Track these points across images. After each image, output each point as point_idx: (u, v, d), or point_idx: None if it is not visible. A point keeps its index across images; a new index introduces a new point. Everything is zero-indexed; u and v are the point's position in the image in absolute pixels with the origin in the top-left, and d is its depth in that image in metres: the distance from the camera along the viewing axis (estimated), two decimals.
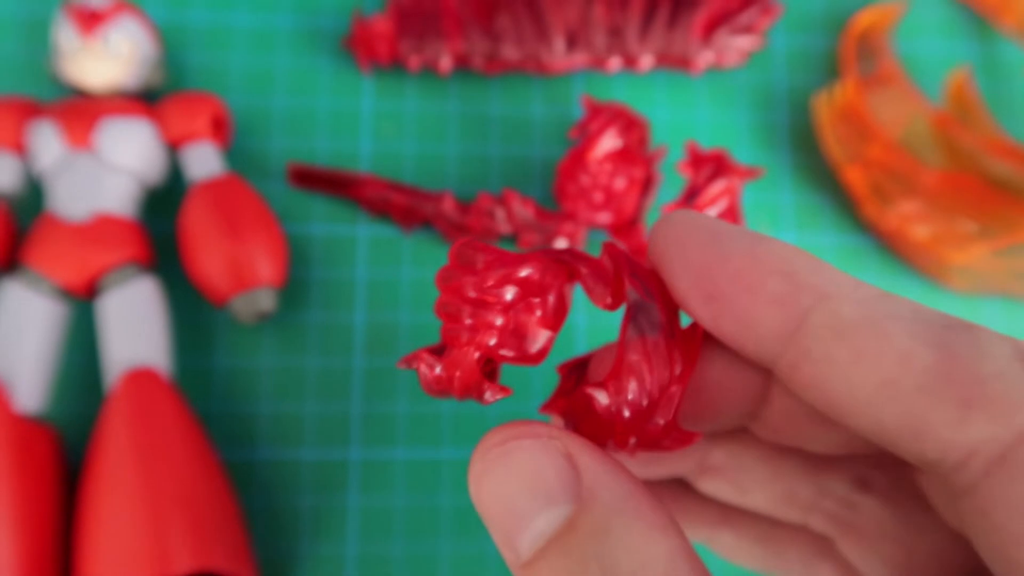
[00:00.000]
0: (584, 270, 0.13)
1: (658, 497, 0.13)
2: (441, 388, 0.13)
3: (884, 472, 0.16)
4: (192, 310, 0.27)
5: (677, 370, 0.13)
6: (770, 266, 0.12)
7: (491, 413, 0.27)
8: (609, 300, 0.13)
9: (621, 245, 0.27)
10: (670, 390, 0.13)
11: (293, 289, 0.27)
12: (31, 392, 0.23)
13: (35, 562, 0.22)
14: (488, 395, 0.13)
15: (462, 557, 0.26)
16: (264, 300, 0.24)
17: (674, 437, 0.13)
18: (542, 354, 0.13)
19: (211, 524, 0.22)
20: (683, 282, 0.13)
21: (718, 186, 0.25)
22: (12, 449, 0.22)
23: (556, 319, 0.13)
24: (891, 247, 0.29)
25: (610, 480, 0.12)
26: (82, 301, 0.26)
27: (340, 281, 0.27)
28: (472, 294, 0.13)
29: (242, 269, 0.24)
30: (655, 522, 0.12)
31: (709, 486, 0.17)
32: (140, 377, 0.23)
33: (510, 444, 0.13)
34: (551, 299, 0.13)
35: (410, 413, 0.27)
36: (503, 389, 0.13)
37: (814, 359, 0.12)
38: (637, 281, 0.13)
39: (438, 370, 0.13)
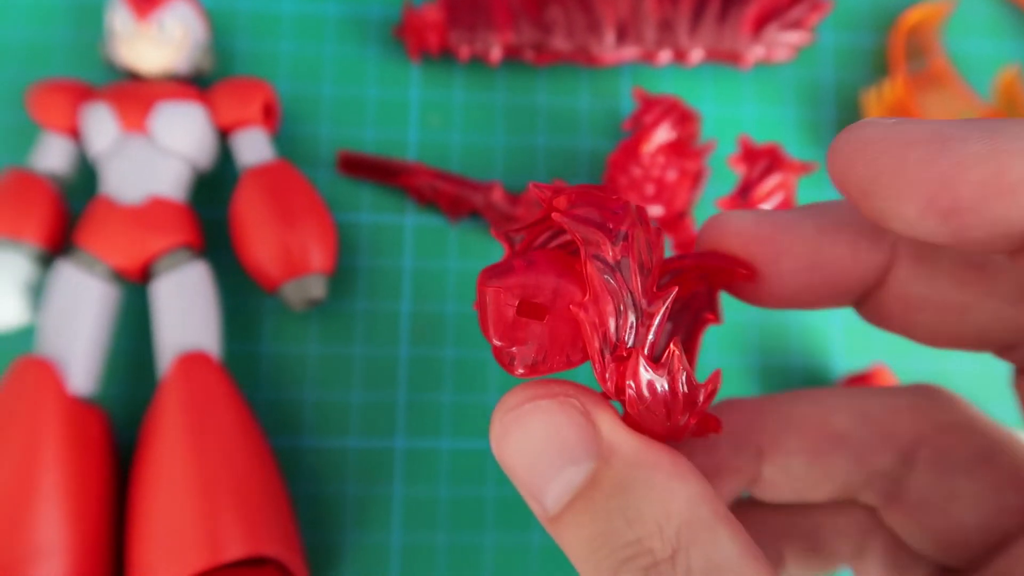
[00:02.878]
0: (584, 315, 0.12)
1: (668, 447, 0.13)
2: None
3: (927, 447, 0.16)
4: (238, 295, 0.27)
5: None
6: (1020, 157, 0.11)
7: None
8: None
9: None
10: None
11: (340, 277, 0.27)
12: (84, 374, 0.23)
13: (86, 542, 0.22)
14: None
15: (506, 547, 0.26)
16: (315, 287, 0.24)
17: (699, 426, 0.13)
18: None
19: (262, 510, 0.22)
20: (912, 204, 0.12)
21: (773, 180, 0.25)
22: (66, 430, 0.22)
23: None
24: None
25: (628, 434, 0.13)
26: (132, 284, 0.26)
27: (387, 269, 0.27)
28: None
29: (294, 256, 0.24)
30: (673, 471, 0.12)
31: (767, 493, 0.17)
32: (193, 360, 0.23)
33: (529, 405, 0.13)
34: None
35: (455, 403, 0.27)
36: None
37: None
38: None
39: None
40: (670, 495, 0.12)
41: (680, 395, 0.13)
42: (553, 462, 0.13)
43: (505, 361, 0.13)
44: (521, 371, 0.13)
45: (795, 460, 0.17)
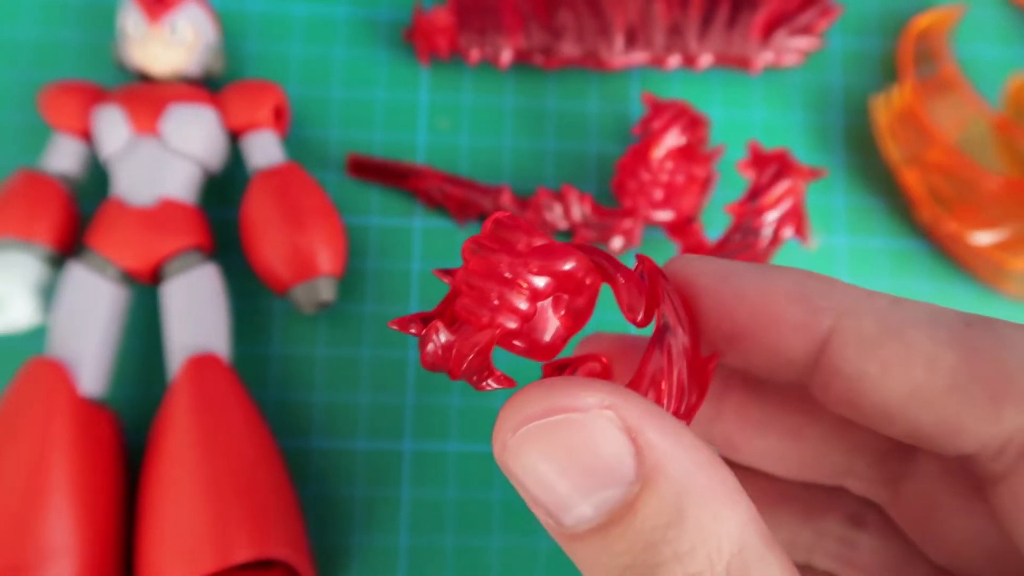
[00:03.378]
0: (622, 281, 0.12)
1: (720, 459, 0.12)
2: (443, 364, 0.12)
3: (876, 509, 0.16)
4: (247, 297, 0.27)
5: (693, 399, 0.13)
6: (784, 296, 0.13)
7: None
8: (640, 317, 0.12)
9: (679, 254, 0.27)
10: (680, 418, 0.12)
11: (349, 279, 0.27)
12: (94, 375, 0.23)
13: (96, 544, 0.22)
14: (490, 383, 0.12)
15: (513, 550, 0.26)
16: (325, 290, 0.24)
17: None
18: (553, 351, 0.12)
19: (271, 512, 0.22)
20: (706, 324, 0.13)
21: (782, 187, 0.25)
22: (76, 431, 0.22)
23: (578, 321, 0.12)
24: (947, 251, 0.29)
25: (678, 453, 0.11)
26: (142, 286, 0.26)
27: (395, 272, 0.27)
28: (507, 274, 0.12)
29: (304, 258, 0.24)
30: (726, 495, 0.11)
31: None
32: (204, 362, 0.23)
33: (555, 418, 0.11)
34: (580, 300, 0.12)
35: (463, 406, 0.27)
36: (507, 380, 0.12)
37: (845, 376, 0.12)
38: (670, 302, 0.12)
39: (443, 340, 0.12)
40: (723, 525, 0.11)
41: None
42: (581, 485, 0.11)
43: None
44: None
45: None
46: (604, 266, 0.12)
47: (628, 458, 0.11)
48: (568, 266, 0.12)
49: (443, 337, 0.12)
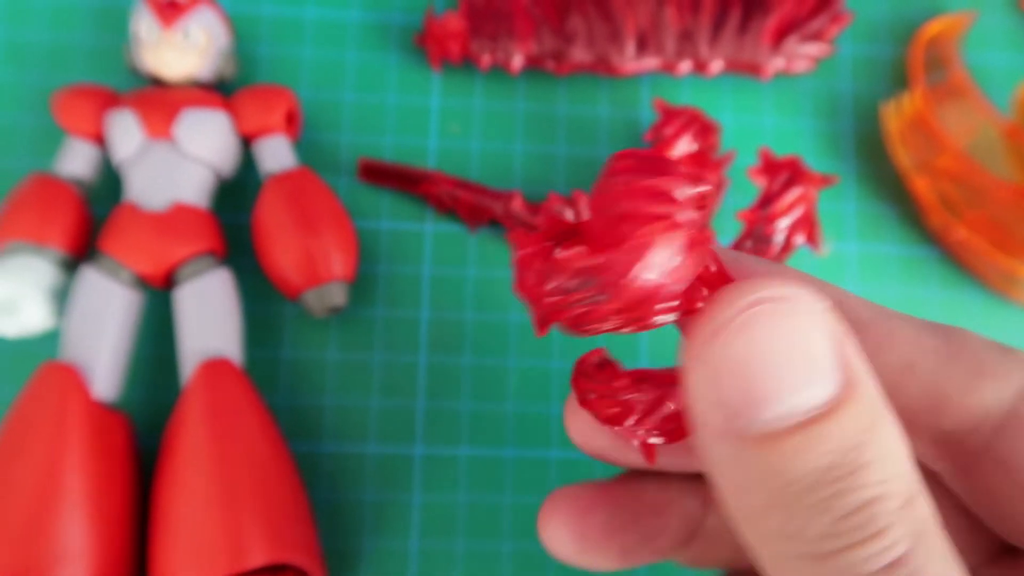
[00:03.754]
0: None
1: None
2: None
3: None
4: (258, 301, 0.27)
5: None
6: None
7: (553, 412, 0.27)
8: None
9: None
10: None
11: (359, 284, 0.27)
12: (108, 380, 0.23)
13: (109, 547, 0.22)
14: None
15: (523, 555, 0.26)
16: (336, 294, 0.25)
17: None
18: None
19: (284, 517, 0.22)
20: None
21: (793, 194, 0.25)
22: (90, 435, 0.22)
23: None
24: (957, 258, 0.29)
25: (870, 372, 0.12)
26: (154, 290, 0.26)
27: (406, 277, 0.27)
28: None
29: (316, 263, 0.24)
30: (901, 431, 0.11)
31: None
32: (217, 367, 0.23)
33: (777, 304, 0.11)
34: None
35: (474, 411, 0.27)
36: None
37: None
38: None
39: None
40: (902, 453, 0.11)
41: None
42: (797, 373, 0.11)
43: (551, 314, 0.11)
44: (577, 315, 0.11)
45: None
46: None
47: (835, 360, 0.11)
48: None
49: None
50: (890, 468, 0.11)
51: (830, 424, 0.11)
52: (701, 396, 0.12)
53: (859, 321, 0.14)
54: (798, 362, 0.11)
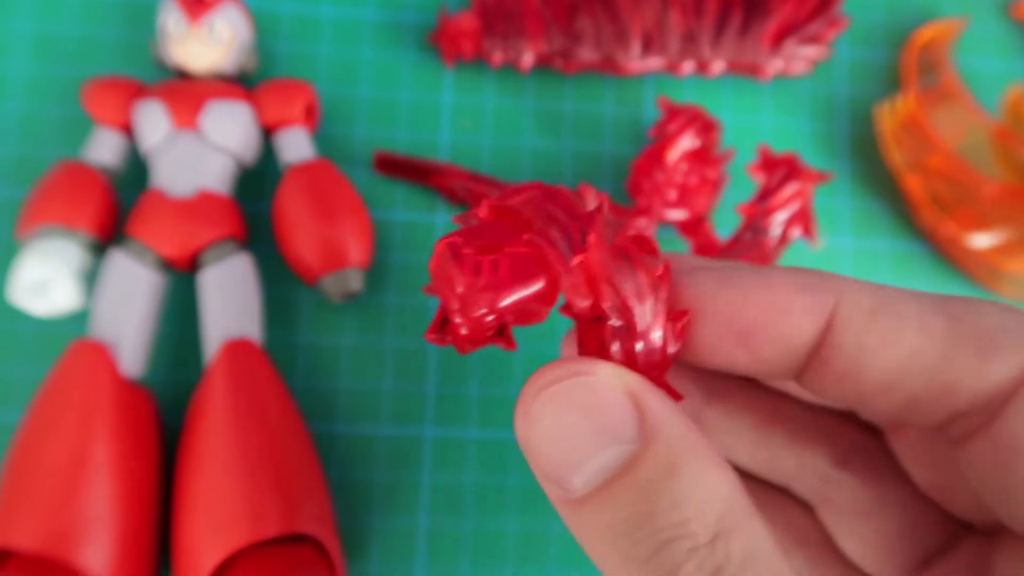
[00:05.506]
0: (573, 289, 0.13)
1: (705, 440, 0.13)
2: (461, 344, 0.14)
3: (863, 453, 0.17)
4: (277, 286, 0.28)
5: (669, 349, 0.14)
6: (789, 287, 0.14)
7: None
8: (588, 303, 0.13)
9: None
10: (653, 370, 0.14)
11: (374, 271, 0.28)
12: (134, 357, 0.24)
13: (135, 518, 0.23)
14: (502, 345, 0.14)
15: (528, 533, 0.27)
16: (353, 280, 0.26)
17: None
18: (541, 317, 0.14)
19: (302, 490, 0.23)
20: (710, 331, 0.14)
21: (790, 189, 0.26)
22: (118, 410, 0.23)
23: (549, 299, 0.14)
24: (946, 254, 0.30)
25: (673, 418, 0.13)
26: (177, 273, 0.27)
27: (419, 265, 0.28)
28: (457, 299, 0.13)
29: (334, 250, 0.25)
30: (714, 459, 0.12)
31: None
32: (239, 347, 0.24)
33: (572, 380, 0.13)
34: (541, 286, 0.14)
35: (482, 395, 0.28)
36: (509, 343, 0.14)
37: (846, 352, 0.14)
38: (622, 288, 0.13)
39: (463, 331, 0.14)
40: (713, 481, 0.12)
41: (652, 292, 0.13)
42: (594, 440, 0.12)
43: (462, 308, 0.13)
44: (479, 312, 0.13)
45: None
46: (549, 254, 0.13)
47: (631, 418, 0.12)
48: (506, 300, 0.13)
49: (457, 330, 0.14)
50: (689, 510, 0.12)
51: (625, 481, 0.12)
52: (533, 469, 0.13)
53: (862, 311, 0.14)
54: (593, 430, 0.12)
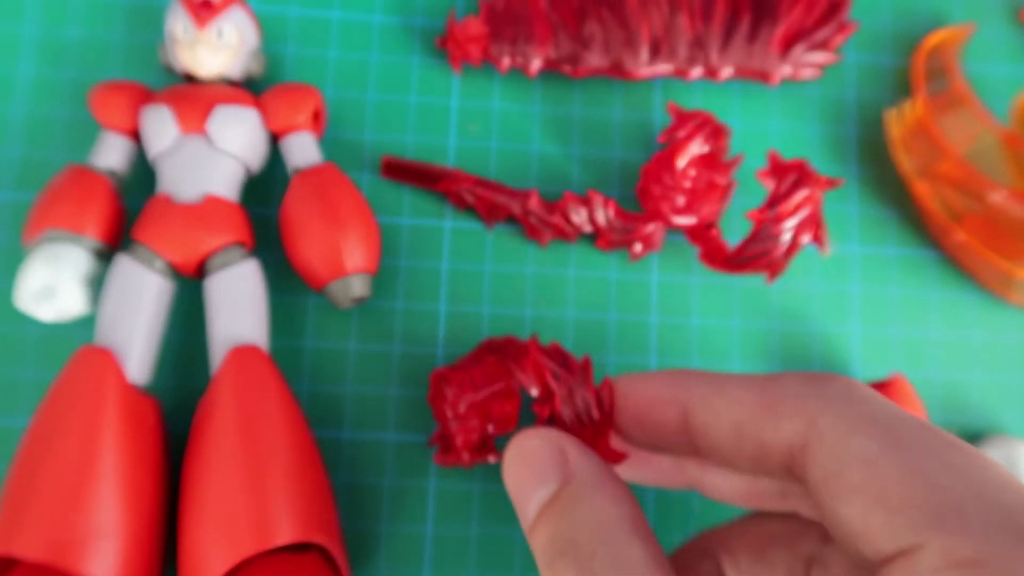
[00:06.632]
0: (523, 380, 0.23)
1: (619, 478, 0.18)
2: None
3: (837, 555, 0.18)
4: (283, 292, 0.28)
5: (599, 420, 0.20)
6: (660, 384, 0.20)
7: None
8: (538, 393, 0.21)
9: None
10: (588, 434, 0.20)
11: (380, 277, 0.28)
12: (141, 364, 0.24)
13: (142, 525, 0.23)
14: (491, 459, 0.24)
15: None
16: (360, 286, 0.25)
17: (609, 455, 0.19)
18: (512, 424, 0.24)
19: (308, 499, 0.23)
20: (622, 416, 0.20)
21: (800, 195, 0.26)
22: (124, 417, 0.23)
23: (511, 395, 0.23)
24: (956, 261, 0.30)
25: (585, 464, 0.18)
26: (183, 280, 0.27)
27: (426, 271, 0.28)
28: (451, 413, 0.23)
29: (341, 256, 0.25)
30: (614, 493, 0.17)
31: (714, 495, 0.22)
32: (246, 353, 0.24)
33: (522, 441, 0.19)
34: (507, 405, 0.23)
35: None
36: (495, 454, 0.24)
37: (698, 430, 0.19)
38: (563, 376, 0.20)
39: (459, 441, 0.24)
40: (602, 509, 0.17)
41: (578, 376, 0.20)
42: (532, 480, 0.18)
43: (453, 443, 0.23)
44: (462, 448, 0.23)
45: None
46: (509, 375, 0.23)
47: (559, 465, 0.18)
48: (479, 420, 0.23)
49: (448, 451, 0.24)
50: (577, 530, 0.16)
51: (552, 509, 0.17)
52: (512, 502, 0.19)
53: (702, 397, 0.18)
54: (535, 473, 0.18)
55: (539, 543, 0.17)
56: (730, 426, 0.17)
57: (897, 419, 0.15)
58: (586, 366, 0.20)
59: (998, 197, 0.28)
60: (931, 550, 0.13)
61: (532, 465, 0.18)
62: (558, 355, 0.20)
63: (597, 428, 0.19)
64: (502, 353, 0.23)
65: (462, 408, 0.22)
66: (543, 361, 0.20)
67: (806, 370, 0.29)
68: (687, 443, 0.19)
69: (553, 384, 0.19)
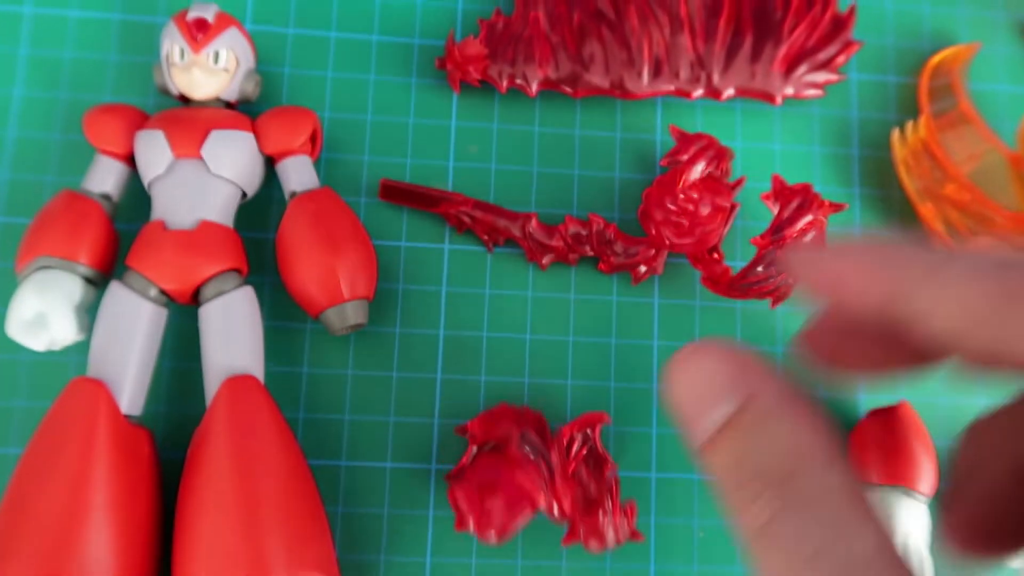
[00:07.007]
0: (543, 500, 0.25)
1: (811, 402, 0.16)
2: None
3: None
4: (279, 316, 0.27)
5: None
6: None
7: None
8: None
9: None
10: None
11: (378, 300, 0.28)
12: (134, 395, 0.23)
13: (134, 560, 0.22)
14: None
15: (534, 570, 0.26)
16: (357, 313, 0.25)
17: None
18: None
19: (304, 532, 0.23)
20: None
21: (805, 220, 0.25)
22: (117, 451, 0.22)
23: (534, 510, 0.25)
24: None
25: (767, 385, 0.16)
26: (180, 305, 0.27)
27: (425, 294, 0.28)
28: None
29: (338, 283, 0.25)
30: (800, 418, 0.15)
31: None
32: (241, 383, 0.23)
33: (698, 352, 0.17)
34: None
35: None
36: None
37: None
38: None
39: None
40: (794, 433, 0.15)
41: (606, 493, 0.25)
42: (708, 398, 0.16)
43: (484, 535, 0.24)
44: (493, 536, 0.24)
45: None
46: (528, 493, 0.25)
47: (742, 382, 0.16)
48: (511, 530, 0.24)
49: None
50: (767, 457, 0.15)
51: (731, 431, 0.16)
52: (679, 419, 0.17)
53: (910, 282, 0.15)
54: (715, 388, 0.16)
55: (721, 464, 0.16)
56: (964, 317, 0.15)
57: None
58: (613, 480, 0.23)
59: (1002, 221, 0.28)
60: None
61: (706, 379, 0.17)
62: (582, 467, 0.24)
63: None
64: (523, 469, 0.25)
65: (483, 504, 0.24)
66: (571, 490, 0.24)
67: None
68: (885, 344, 0.17)
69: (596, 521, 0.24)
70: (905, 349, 0.17)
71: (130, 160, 0.26)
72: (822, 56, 0.29)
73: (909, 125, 0.30)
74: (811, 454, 0.15)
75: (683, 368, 0.17)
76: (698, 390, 0.17)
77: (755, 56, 0.29)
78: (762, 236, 0.26)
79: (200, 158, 0.25)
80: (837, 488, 0.15)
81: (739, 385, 0.16)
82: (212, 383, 0.24)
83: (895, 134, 0.30)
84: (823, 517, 0.15)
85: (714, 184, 0.27)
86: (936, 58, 0.31)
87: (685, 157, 0.26)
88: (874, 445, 0.27)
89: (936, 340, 0.15)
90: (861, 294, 0.16)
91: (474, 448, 0.25)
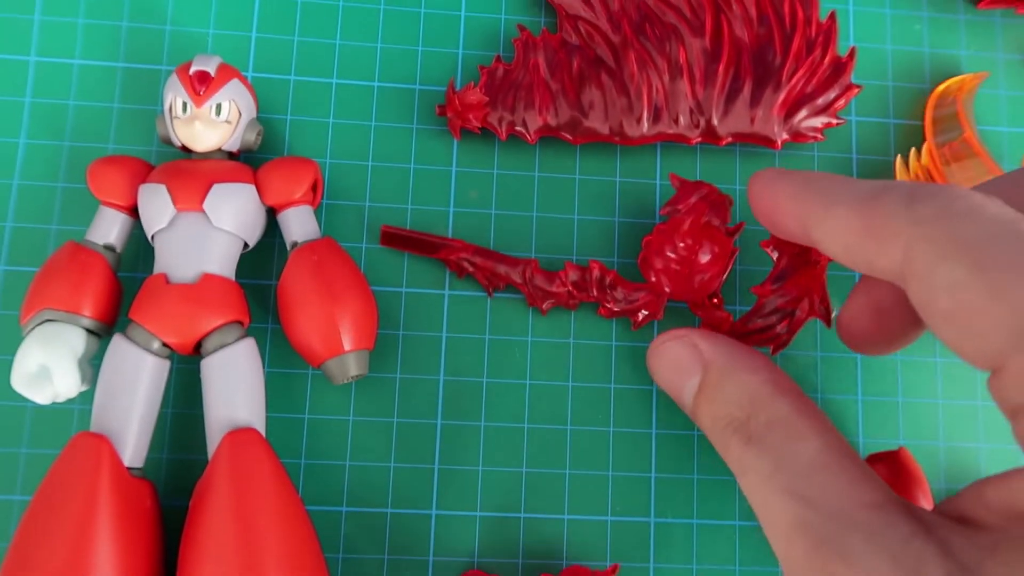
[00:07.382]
0: None
1: (753, 351, 0.22)
2: None
3: None
4: (279, 362, 0.27)
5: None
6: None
7: (569, 476, 0.28)
8: None
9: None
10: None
11: (379, 346, 0.28)
12: (137, 448, 0.24)
13: None
14: None
15: None
16: (357, 364, 0.25)
17: None
18: None
19: None
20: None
21: (806, 269, 0.25)
22: (120, 505, 0.23)
23: None
24: None
25: (718, 349, 0.22)
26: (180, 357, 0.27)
27: (426, 340, 0.28)
28: None
29: (339, 334, 0.25)
30: (749, 367, 0.21)
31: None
32: (242, 437, 0.24)
33: (659, 346, 0.24)
34: None
35: (489, 474, 0.27)
36: None
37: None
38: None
39: None
40: (745, 383, 0.20)
41: None
42: (680, 376, 0.22)
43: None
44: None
45: None
46: None
47: (697, 359, 0.22)
48: None
49: None
50: (730, 405, 0.20)
51: (702, 394, 0.22)
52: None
53: (811, 218, 0.20)
54: (680, 369, 0.22)
55: (704, 424, 0.21)
56: (841, 248, 0.18)
57: (992, 236, 0.15)
58: None
59: None
60: (1013, 370, 0.14)
61: (673, 362, 0.22)
62: None
63: None
64: None
65: None
66: None
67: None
68: (902, 317, 0.22)
69: None
70: (914, 318, 0.21)
71: (133, 211, 0.26)
72: (821, 101, 0.29)
73: (912, 152, 0.30)
74: (760, 395, 0.20)
75: (657, 357, 0.23)
76: (671, 370, 0.22)
77: (754, 101, 0.29)
78: (762, 285, 0.26)
79: (202, 211, 0.25)
80: (785, 415, 0.19)
81: (695, 359, 0.22)
82: (214, 436, 0.24)
83: (898, 160, 0.30)
84: (775, 440, 0.19)
85: (713, 232, 0.27)
86: (941, 86, 0.31)
87: (684, 206, 0.26)
88: None
89: (835, 259, 0.19)
90: (786, 222, 0.21)
91: None
